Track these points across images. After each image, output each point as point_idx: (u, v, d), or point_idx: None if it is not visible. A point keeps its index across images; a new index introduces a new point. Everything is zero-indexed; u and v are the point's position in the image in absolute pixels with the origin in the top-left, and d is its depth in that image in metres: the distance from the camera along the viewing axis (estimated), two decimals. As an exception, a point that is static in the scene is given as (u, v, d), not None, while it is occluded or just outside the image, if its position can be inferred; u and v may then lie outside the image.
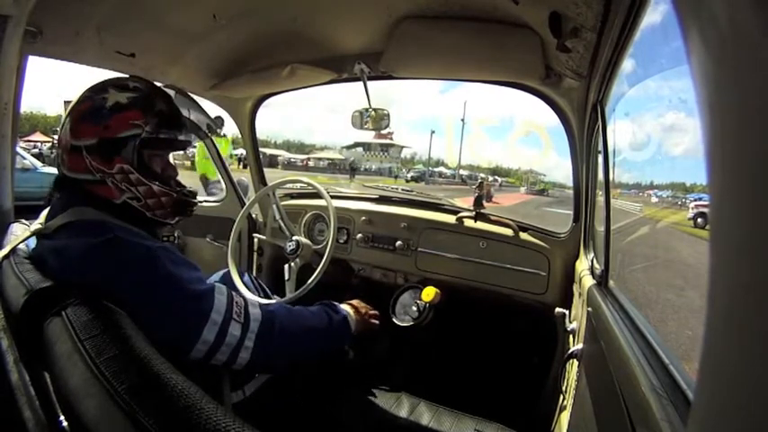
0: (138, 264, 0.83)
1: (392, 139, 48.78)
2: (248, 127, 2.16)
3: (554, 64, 1.24)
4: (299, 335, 1.05)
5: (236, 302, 0.92)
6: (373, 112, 1.82)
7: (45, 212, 0.98)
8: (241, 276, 1.45)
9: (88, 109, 0.94)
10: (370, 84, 1.68)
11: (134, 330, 0.67)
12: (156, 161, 1.03)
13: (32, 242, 0.93)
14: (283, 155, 43.76)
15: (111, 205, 0.95)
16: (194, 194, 1.11)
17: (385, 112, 1.83)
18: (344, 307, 1.24)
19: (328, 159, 44.98)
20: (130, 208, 0.98)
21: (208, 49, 1.58)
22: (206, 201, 2.38)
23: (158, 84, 1.07)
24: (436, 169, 48.63)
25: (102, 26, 1.28)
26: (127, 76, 1.03)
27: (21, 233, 0.94)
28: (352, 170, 36.20)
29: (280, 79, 1.64)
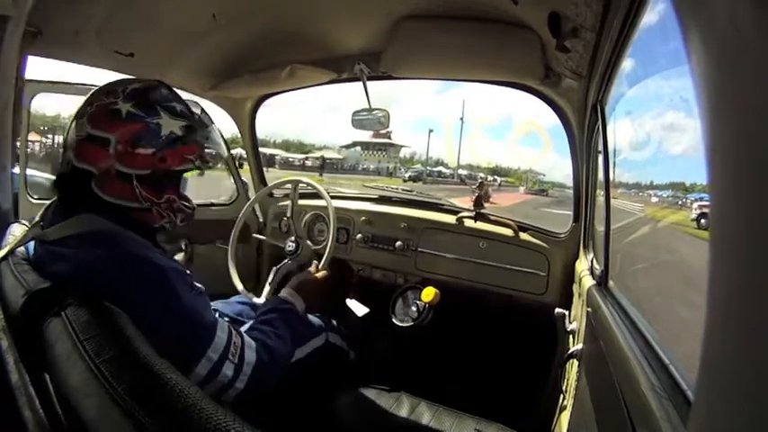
0: (148, 282, 0.83)
1: (391, 139, 48.77)
2: (248, 127, 2.16)
3: (553, 64, 1.24)
4: (287, 359, 1.08)
5: (234, 342, 0.90)
6: (373, 112, 1.83)
7: (40, 214, 0.95)
8: None
9: (141, 134, 0.90)
10: (369, 84, 1.68)
11: (134, 331, 0.66)
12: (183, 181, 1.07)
13: (31, 245, 0.91)
14: (281, 154, 43.53)
15: (140, 225, 0.95)
16: (194, 207, 1.12)
17: (385, 111, 1.83)
18: (287, 295, 1.23)
19: (327, 159, 44.78)
20: (159, 227, 1.00)
21: (207, 50, 1.59)
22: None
23: None
24: (435, 169, 48.54)
25: (101, 26, 1.28)
26: (155, 82, 0.98)
27: (19, 234, 0.93)
28: (321, 167, 35.86)
29: (279, 79, 1.64)
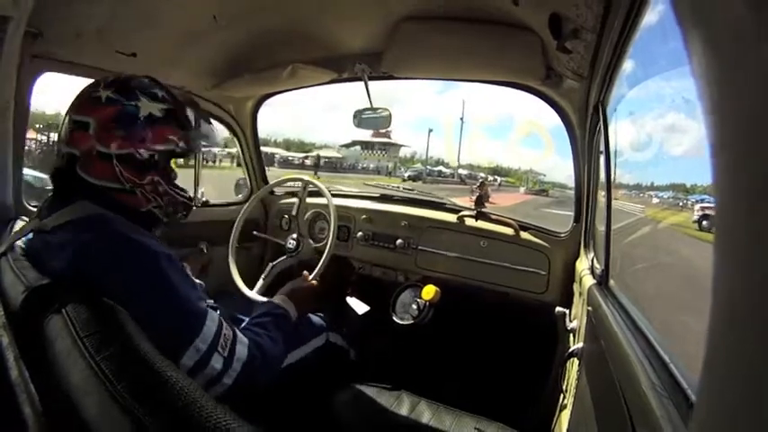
0: (138, 264, 0.83)
1: (390, 138, 48.62)
2: (250, 126, 2.17)
3: (555, 65, 1.24)
4: (279, 361, 1.07)
5: (225, 334, 0.89)
6: (375, 112, 1.83)
7: (39, 208, 0.97)
8: None
9: (118, 115, 0.91)
10: (370, 83, 1.68)
11: (134, 328, 0.66)
12: (171, 168, 1.05)
13: (29, 236, 0.92)
14: (280, 153, 43.19)
15: (128, 209, 0.94)
16: (191, 198, 1.11)
17: (386, 111, 1.83)
18: (280, 302, 1.22)
19: (325, 158, 44.59)
20: (148, 213, 0.99)
21: (209, 49, 1.59)
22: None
23: None
24: (435, 168, 48.30)
25: (102, 26, 1.28)
26: (141, 75, 1.00)
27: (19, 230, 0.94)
28: (317, 166, 35.51)
29: (281, 79, 1.65)
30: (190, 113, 1.02)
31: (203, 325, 0.86)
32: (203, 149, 1.08)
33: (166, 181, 1.00)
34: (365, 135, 44.85)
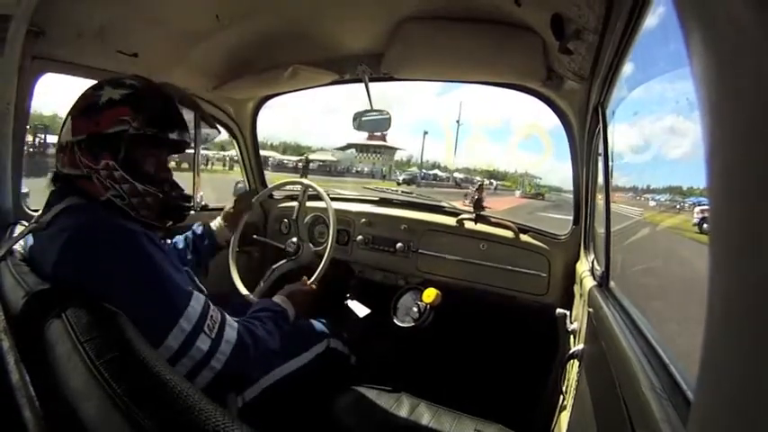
0: (119, 245, 0.84)
1: (386, 141, 48.42)
2: (249, 128, 2.16)
3: (556, 66, 1.24)
4: (274, 353, 1.06)
5: (211, 316, 0.89)
6: (374, 114, 1.83)
7: (41, 210, 0.97)
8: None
9: (84, 106, 0.93)
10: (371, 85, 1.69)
11: (134, 332, 0.67)
12: (148, 161, 1.00)
13: (30, 241, 0.93)
14: (274, 156, 42.89)
15: (102, 201, 0.94)
16: (187, 198, 1.08)
17: (386, 113, 1.83)
18: (279, 301, 1.22)
19: (320, 161, 44.36)
20: (116, 205, 0.95)
21: (210, 50, 1.58)
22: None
23: None
24: (431, 172, 48.14)
25: (104, 26, 1.28)
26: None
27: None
28: (305, 167, 35.42)
29: (282, 80, 1.64)
30: (157, 100, 0.98)
31: (187, 305, 0.86)
32: (171, 136, 0.99)
33: (126, 168, 0.94)
34: (360, 138, 44.51)
